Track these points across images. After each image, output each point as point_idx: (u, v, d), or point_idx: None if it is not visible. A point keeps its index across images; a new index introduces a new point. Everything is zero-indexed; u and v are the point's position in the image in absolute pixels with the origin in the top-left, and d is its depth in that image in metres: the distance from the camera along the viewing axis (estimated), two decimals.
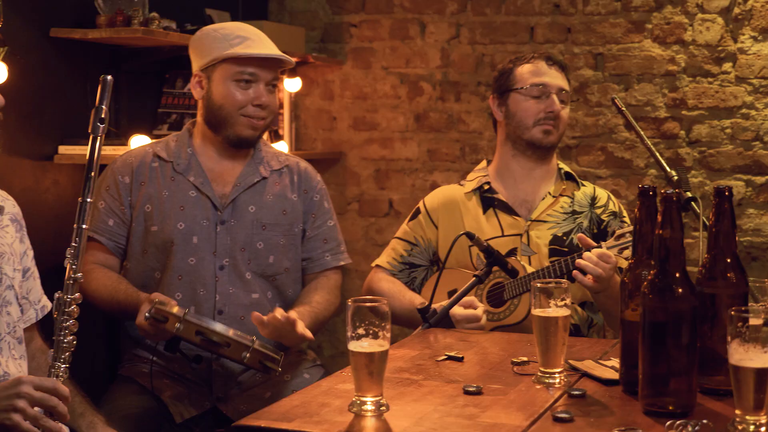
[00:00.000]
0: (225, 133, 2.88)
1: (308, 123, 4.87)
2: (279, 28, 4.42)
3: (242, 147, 2.93)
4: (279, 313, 2.63)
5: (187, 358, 2.73)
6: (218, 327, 2.53)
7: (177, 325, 2.50)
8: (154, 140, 3.19)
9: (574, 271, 2.72)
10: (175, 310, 2.52)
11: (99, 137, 2.12)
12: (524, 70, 3.07)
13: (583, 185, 3.14)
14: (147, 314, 2.54)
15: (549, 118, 3.02)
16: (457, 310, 2.72)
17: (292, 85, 4.43)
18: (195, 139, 2.96)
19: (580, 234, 2.83)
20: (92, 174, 2.12)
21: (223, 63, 2.85)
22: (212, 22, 4.01)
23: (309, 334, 2.70)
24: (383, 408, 1.86)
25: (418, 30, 4.69)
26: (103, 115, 2.12)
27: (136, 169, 2.91)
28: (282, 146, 4.21)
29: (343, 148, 4.83)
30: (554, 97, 3.03)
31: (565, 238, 3.01)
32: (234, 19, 4.34)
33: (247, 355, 2.53)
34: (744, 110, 4.23)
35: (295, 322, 2.65)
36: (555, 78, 3.05)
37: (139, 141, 3.36)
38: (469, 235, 2.74)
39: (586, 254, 2.72)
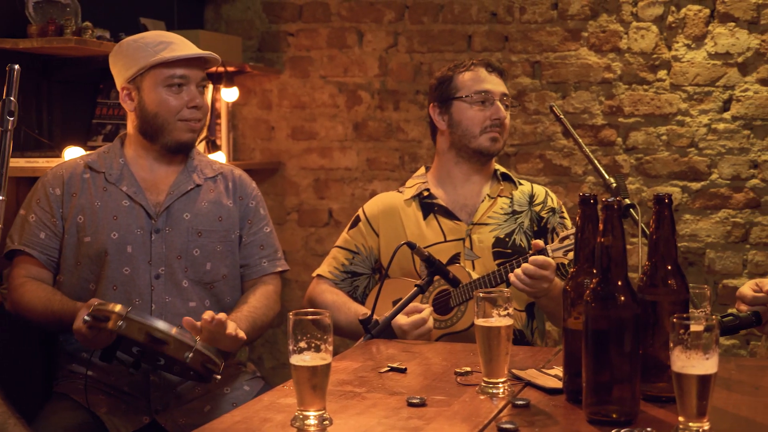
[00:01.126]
0: (163, 141, 2.85)
1: (246, 133, 4.83)
2: (215, 37, 4.38)
3: (180, 152, 2.90)
4: (208, 315, 2.58)
5: (126, 364, 2.67)
6: (161, 324, 2.46)
7: (120, 323, 2.41)
8: (86, 152, 3.13)
9: (513, 280, 2.72)
10: (118, 308, 2.45)
11: (8, 131, 2.06)
12: (465, 77, 3.05)
13: (521, 184, 3.15)
14: (86, 317, 2.47)
15: (495, 125, 3.01)
16: (402, 320, 2.70)
17: (229, 94, 4.39)
18: (127, 149, 2.92)
19: (535, 240, 2.84)
20: (3, 170, 2.05)
21: (151, 70, 2.82)
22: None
23: (242, 334, 2.66)
24: (326, 422, 1.83)
25: (356, 39, 4.67)
26: (12, 108, 2.05)
27: (68, 181, 2.86)
28: (220, 156, 4.17)
29: (282, 157, 4.80)
30: (498, 103, 3.02)
31: (507, 239, 3.01)
32: (169, 27, 4.29)
33: (190, 355, 2.44)
34: (679, 117, 4.28)
35: (225, 324, 2.60)
36: (497, 84, 3.05)
37: (73, 153, 3.30)
38: (410, 245, 2.72)
39: (524, 266, 2.72)
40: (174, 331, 2.45)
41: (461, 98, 3.03)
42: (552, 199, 3.14)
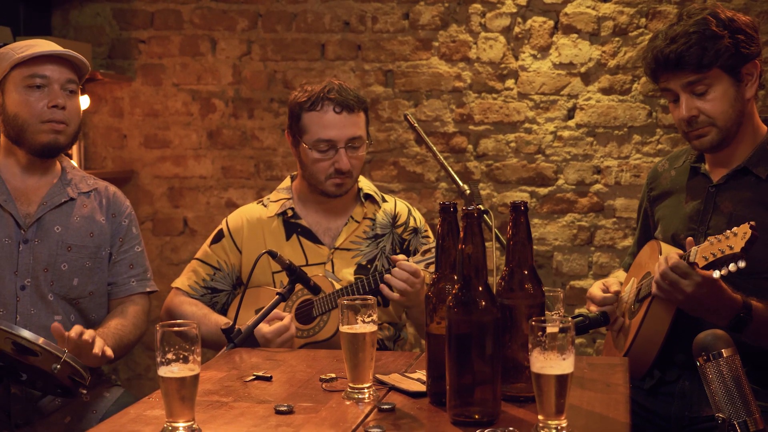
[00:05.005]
0: (27, 144, 2.78)
1: (97, 141, 4.75)
2: (63, 44, 4.22)
3: (47, 156, 2.83)
4: (75, 331, 2.54)
5: None
6: (28, 334, 2.40)
7: None
8: None
9: (381, 285, 2.76)
10: None
11: None
12: (311, 120, 2.93)
13: (385, 201, 3.12)
14: None
15: (339, 173, 2.93)
16: (265, 328, 2.70)
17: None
18: None
19: (393, 256, 2.86)
20: None
21: (12, 72, 2.77)
22: None
23: (109, 352, 2.63)
24: None
25: (209, 46, 4.65)
26: None
27: None
28: None
29: (135, 166, 4.73)
30: (342, 151, 2.92)
31: (369, 266, 3.01)
32: (15, 34, 4.18)
33: (58, 366, 2.38)
34: (527, 125, 4.43)
35: (92, 343, 2.56)
36: (344, 128, 2.92)
37: None
38: (272, 254, 2.72)
39: (394, 270, 2.76)
40: (41, 341, 2.40)
41: (306, 143, 2.94)
42: (415, 218, 3.11)
